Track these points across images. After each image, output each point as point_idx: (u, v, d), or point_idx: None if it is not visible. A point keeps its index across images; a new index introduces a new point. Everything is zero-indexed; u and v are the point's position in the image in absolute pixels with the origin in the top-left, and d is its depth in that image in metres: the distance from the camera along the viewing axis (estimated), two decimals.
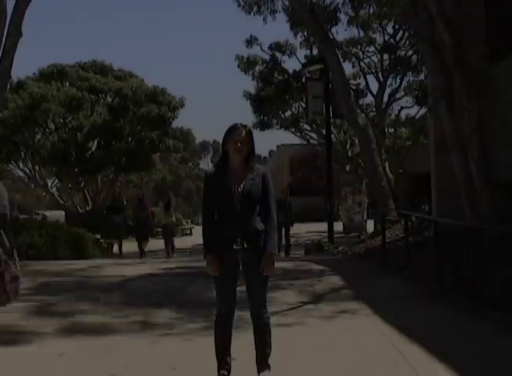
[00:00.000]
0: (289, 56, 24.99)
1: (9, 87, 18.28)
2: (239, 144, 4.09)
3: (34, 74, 29.47)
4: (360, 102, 23.49)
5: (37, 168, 29.68)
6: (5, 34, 11.17)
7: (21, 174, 34.70)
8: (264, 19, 21.76)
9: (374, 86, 23.89)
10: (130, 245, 19.08)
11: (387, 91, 23.58)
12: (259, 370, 4.18)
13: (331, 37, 19.76)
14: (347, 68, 25.59)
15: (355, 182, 25.08)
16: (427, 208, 13.34)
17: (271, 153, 65.49)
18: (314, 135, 27.55)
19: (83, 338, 5.74)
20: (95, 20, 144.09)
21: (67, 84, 28.81)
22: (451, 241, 8.95)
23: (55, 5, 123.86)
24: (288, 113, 25.99)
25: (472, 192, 8.73)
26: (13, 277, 3.87)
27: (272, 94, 24.16)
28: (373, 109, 24.82)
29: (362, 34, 23.32)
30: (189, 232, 32.69)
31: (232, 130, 4.14)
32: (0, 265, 3.85)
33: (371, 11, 22.34)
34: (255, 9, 21.51)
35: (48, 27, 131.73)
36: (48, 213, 34.97)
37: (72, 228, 16.19)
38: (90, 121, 26.90)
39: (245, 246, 4.06)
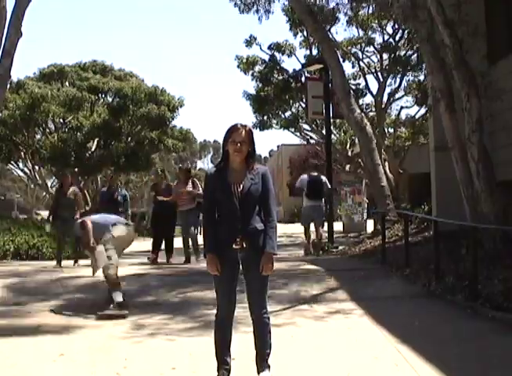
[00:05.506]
0: (288, 56, 24.99)
1: (8, 87, 18.29)
2: (238, 144, 4.09)
3: (34, 74, 29.52)
4: (360, 102, 23.48)
5: (37, 168, 29.65)
6: (4, 34, 11.16)
7: (21, 174, 34.75)
8: (259, 19, 21.74)
9: (374, 86, 23.92)
10: None
11: (387, 91, 23.61)
12: (259, 371, 4.18)
13: (331, 37, 19.75)
14: (347, 68, 25.72)
15: (355, 182, 25.08)
16: (427, 208, 13.32)
17: (271, 152, 65.49)
18: (314, 135, 27.56)
19: (83, 337, 5.75)
20: (95, 20, 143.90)
21: (67, 84, 28.82)
22: (451, 241, 8.96)
23: (55, 5, 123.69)
24: (288, 113, 25.98)
25: (472, 192, 8.72)
26: None
27: (272, 94, 24.14)
28: (373, 109, 24.82)
29: (361, 33, 23.34)
30: None
31: (232, 130, 4.14)
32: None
33: (370, 11, 22.34)
34: (251, 8, 21.46)
35: (48, 27, 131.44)
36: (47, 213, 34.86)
37: None
38: (90, 121, 26.88)
39: (244, 246, 4.06)
